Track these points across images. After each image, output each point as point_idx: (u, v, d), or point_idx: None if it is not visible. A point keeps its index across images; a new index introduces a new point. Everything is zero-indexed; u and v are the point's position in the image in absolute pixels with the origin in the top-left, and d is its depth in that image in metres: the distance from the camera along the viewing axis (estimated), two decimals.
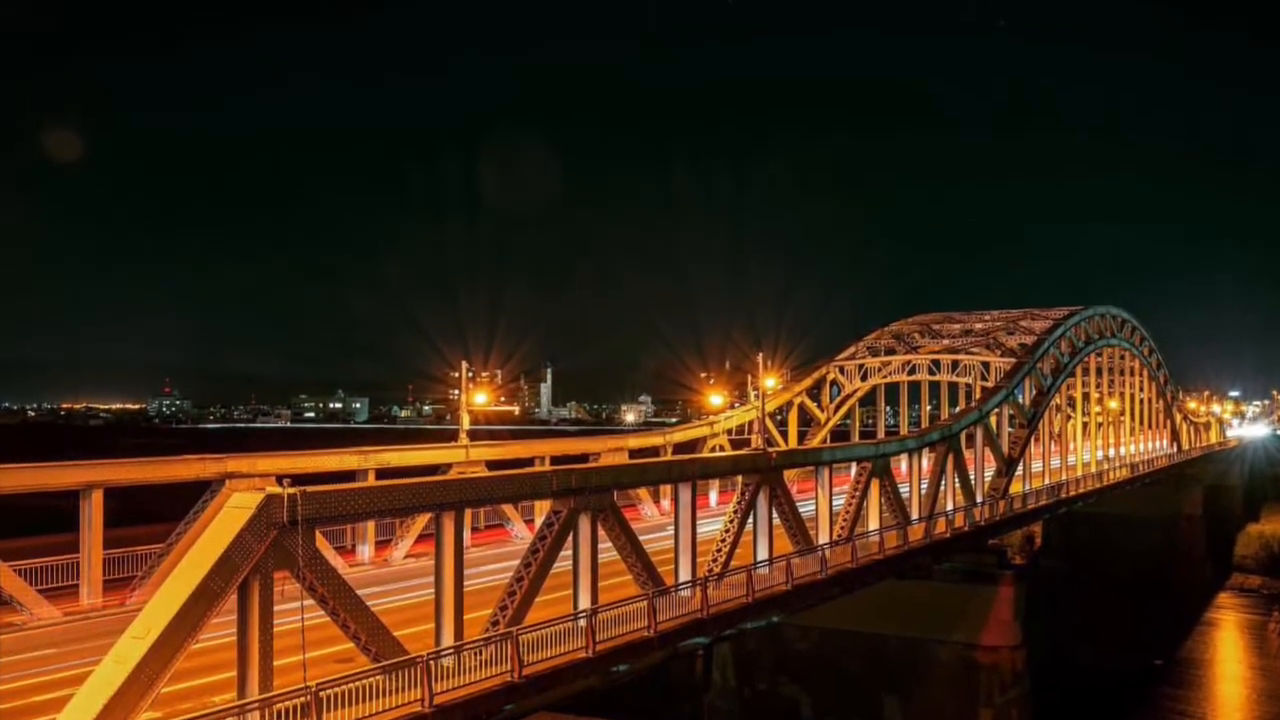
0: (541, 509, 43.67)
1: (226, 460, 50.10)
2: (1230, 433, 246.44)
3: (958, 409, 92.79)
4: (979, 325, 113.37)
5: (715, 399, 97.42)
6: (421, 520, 54.87)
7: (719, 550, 48.19)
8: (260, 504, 28.18)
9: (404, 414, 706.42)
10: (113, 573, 46.10)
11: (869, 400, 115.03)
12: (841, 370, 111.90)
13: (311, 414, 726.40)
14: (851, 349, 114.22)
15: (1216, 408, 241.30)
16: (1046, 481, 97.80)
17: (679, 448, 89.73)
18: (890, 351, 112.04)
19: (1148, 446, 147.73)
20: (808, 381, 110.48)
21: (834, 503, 57.83)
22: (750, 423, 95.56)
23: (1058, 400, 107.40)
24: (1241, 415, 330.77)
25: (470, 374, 67.06)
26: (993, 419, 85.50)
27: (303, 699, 27.63)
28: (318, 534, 30.38)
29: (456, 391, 67.30)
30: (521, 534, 62.48)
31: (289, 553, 28.80)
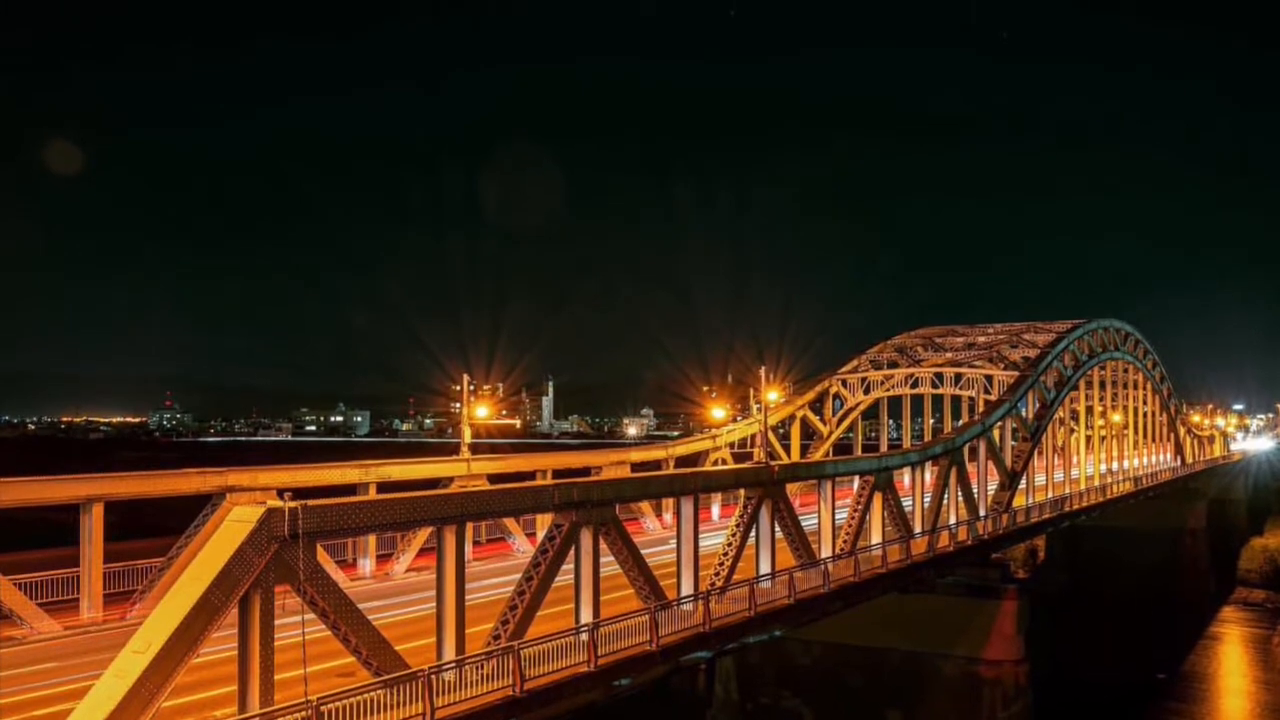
0: (543, 523, 43.55)
1: (227, 474, 50.04)
2: (1234, 446, 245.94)
3: (961, 422, 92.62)
4: (982, 339, 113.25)
5: (717, 412, 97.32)
6: (423, 534, 54.76)
7: (721, 564, 48.07)
8: (261, 518, 28.12)
9: (405, 427, 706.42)
10: (113, 587, 46.02)
11: (872, 413, 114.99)
12: (844, 383, 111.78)
13: (312, 427, 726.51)
14: (854, 362, 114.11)
15: (1220, 421, 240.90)
16: (1050, 495, 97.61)
17: (681, 461, 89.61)
18: (893, 365, 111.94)
19: (1151, 460, 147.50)
20: (810, 395, 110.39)
21: (836, 516, 57.71)
22: (753, 436, 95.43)
23: (1061, 413, 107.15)
24: (1245, 429, 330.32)
25: (472, 387, 67.01)
26: (996, 432, 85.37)
27: (304, 713, 27.58)
28: (319, 548, 30.31)
29: (458, 405, 67.25)
30: (523, 548, 62.35)
31: (290, 566, 28.72)
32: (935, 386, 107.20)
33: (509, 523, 62.73)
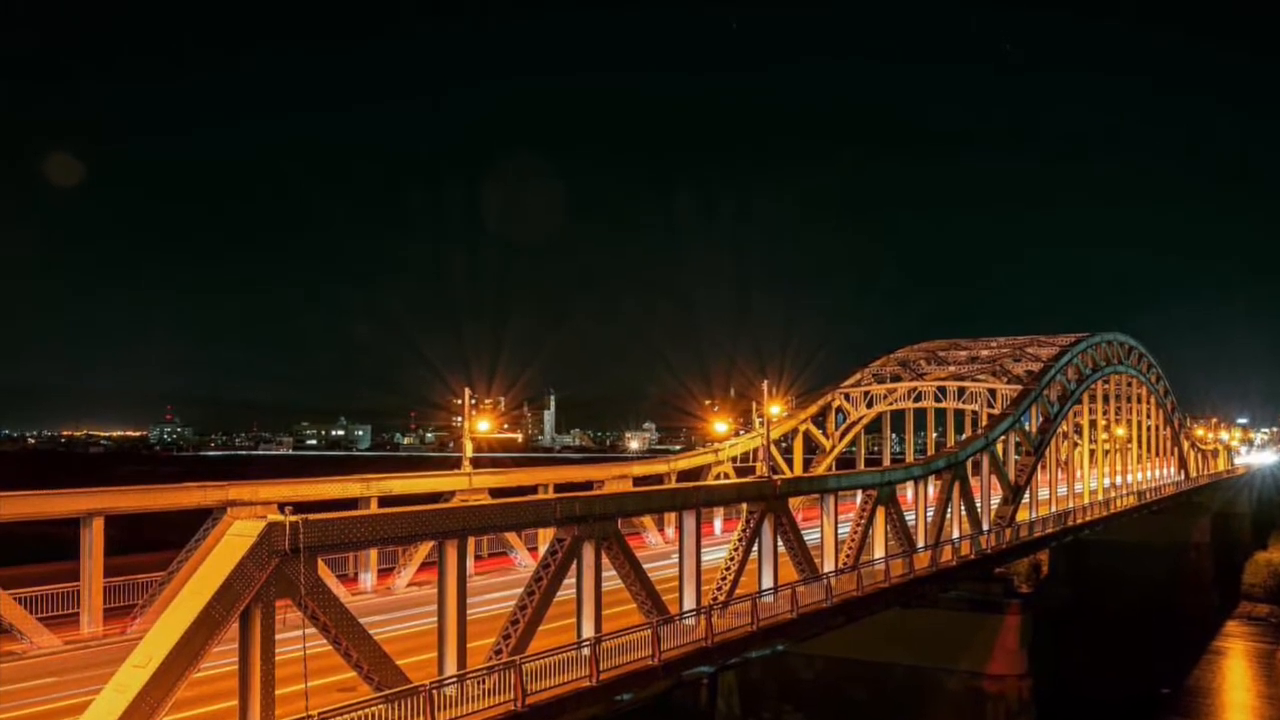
0: (545, 537, 43.50)
1: (228, 488, 50.00)
2: (1238, 460, 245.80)
3: (964, 436, 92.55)
4: (985, 352, 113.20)
5: (720, 426, 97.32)
6: (424, 548, 54.67)
7: (724, 578, 47.98)
8: (262, 532, 28.05)
9: (407, 441, 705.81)
10: (114, 601, 45.95)
11: (875, 427, 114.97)
12: (847, 397, 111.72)
13: (313, 441, 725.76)
14: (857, 376, 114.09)
15: (1224, 435, 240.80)
16: (1053, 509, 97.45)
17: (683, 475, 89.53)
18: (896, 379, 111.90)
19: (1155, 474, 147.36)
20: (813, 409, 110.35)
21: (839, 530, 57.60)
22: (755, 450, 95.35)
23: (1064, 427, 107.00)
24: (1250, 443, 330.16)
25: (473, 401, 66.97)
26: (999, 446, 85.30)
27: None
28: (320, 562, 30.23)
29: (459, 419, 67.23)
30: (525, 562, 62.24)
31: (291, 581, 28.63)
32: (938, 400, 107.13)
33: (511, 537, 62.64)
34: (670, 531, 71.81)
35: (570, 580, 38.80)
